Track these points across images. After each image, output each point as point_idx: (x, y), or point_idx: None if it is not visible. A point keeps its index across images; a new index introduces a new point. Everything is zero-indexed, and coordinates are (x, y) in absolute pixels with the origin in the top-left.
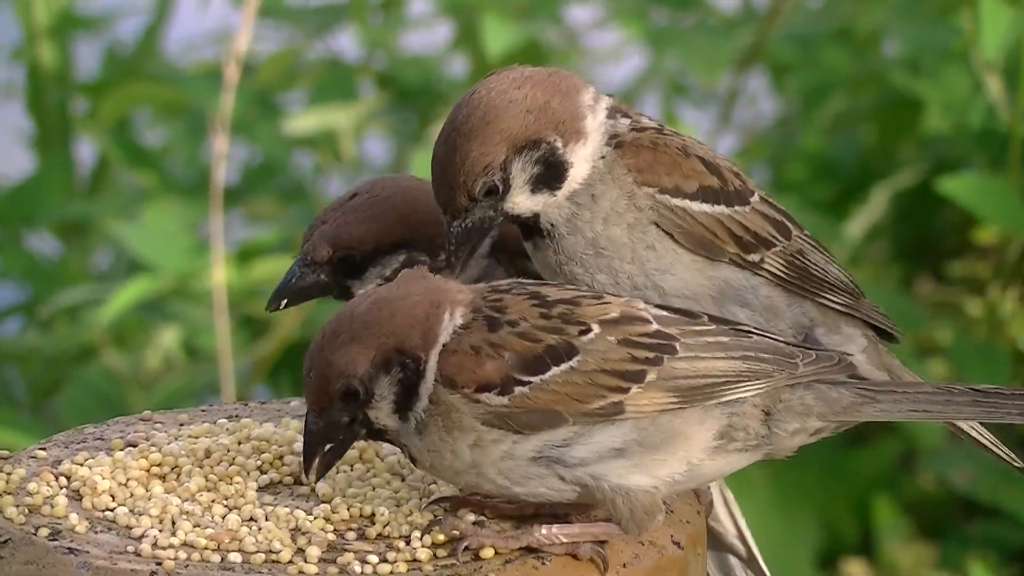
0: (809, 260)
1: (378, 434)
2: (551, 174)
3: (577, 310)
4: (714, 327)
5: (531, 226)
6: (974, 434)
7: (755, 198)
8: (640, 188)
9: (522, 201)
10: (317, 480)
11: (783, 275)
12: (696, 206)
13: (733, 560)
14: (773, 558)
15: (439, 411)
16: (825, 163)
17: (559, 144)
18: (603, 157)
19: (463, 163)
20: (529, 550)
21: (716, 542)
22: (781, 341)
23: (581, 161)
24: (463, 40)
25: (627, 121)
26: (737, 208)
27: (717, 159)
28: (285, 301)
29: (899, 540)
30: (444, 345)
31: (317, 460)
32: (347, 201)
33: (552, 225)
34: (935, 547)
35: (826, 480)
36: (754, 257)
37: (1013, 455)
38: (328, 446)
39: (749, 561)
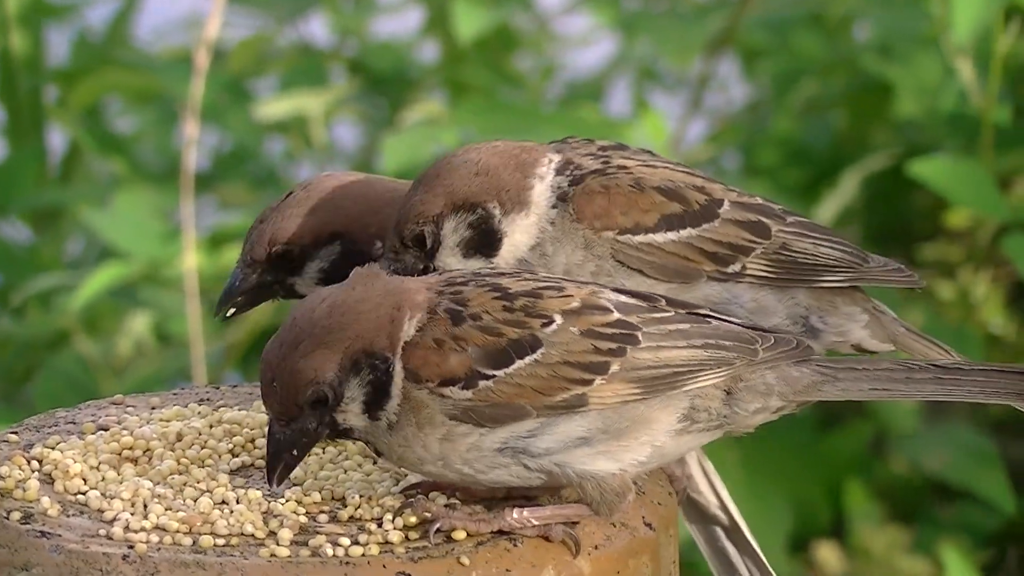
0: (795, 250)
1: (343, 434)
2: (483, 241)
3: (539, 302)
4: (673, 313)
5: None
6: None
7: (725, 207)
8: (598, 235)
9: (452, 263)
10: (278, 485)
11: (769, 274)
12: (660, 237)
13: (719, 531)
14: None
15: (410, 407)
16: (797, 148)
17: (496, 212)
18: (552, 222)
19: (405, 205)
20: (501, 532)
21: (699, 514)
22: (740, 326)
23: (522, 230)
24: (434, 26)
25: (568, 175)
26: (705, 226)
27: (676, 179)
28: (233, 309)
29: (871, 524)
30: (406, 341)
31: (282, 466)
32: (283, 200)
33: None
34: (908, 531)
35: (799, 464)
36: (734, 267)
37: None
38: (292, 449)
39: (732, 530)
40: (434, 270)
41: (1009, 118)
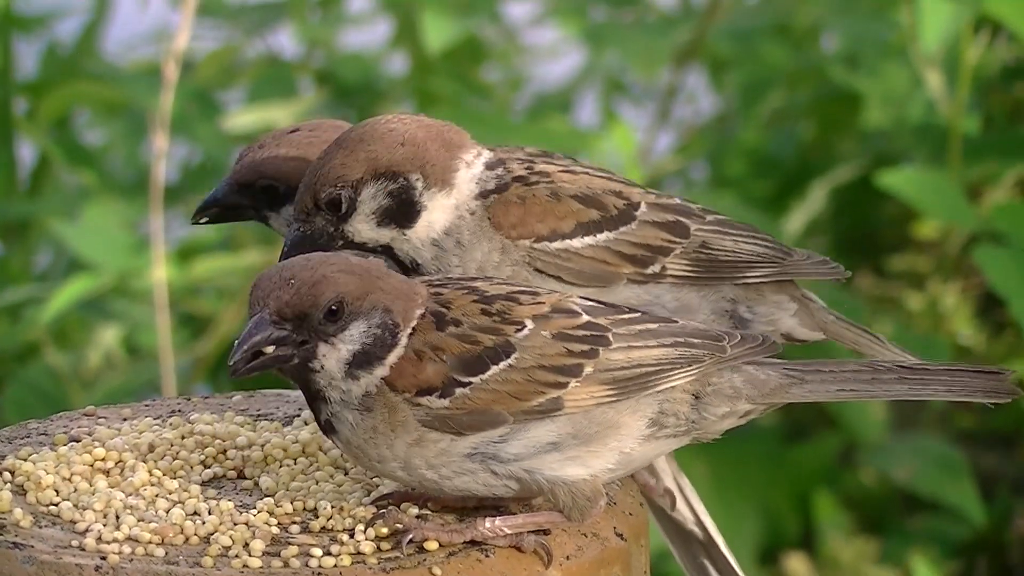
0: (715, 248)
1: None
2: (401, 211)
3: (515, 307)
4: (640, 315)
5: (402, 263)
6: None
7: (642, 210)
8: (515, 243)
9: (364, 229)
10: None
11: (690, 273)
12: (578, 243)
13: (696, 547)
14: None
15: (386, 406)
16: (764, 159)
17: (418, 185)
18: (473, 212)
19: (321, 168)
20: (473, 543)
21: (676, 530)
22: (703, 325)
23: (441, 209)
24: (402, 37)
25: (496, 174)
26: (623, 229)
27: (595, 185)
28: (206, 218)
29: (840, 535)
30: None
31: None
32: (287, 133)
33: (417, 264)
34: (877, 542)
35: (767, 475)
36: (654, 268)
37: None
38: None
39: (709, 545)
40: (342, 236)
41: (977, 128)
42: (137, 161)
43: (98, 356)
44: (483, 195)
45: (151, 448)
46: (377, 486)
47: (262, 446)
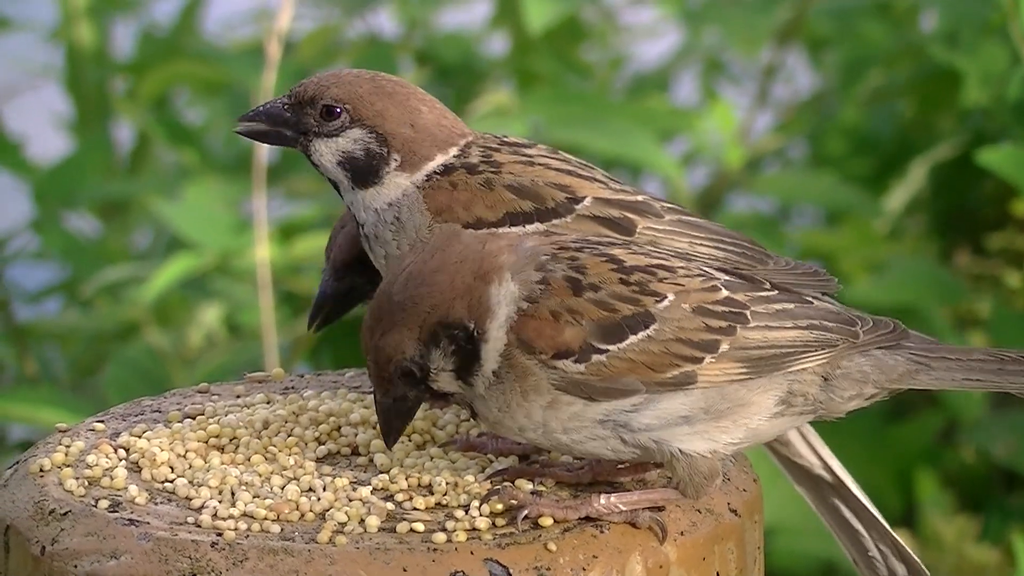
0: (664, 248)
1: (444, 397)
2: (366, 167)
3: (653, 280)
4: (778, 293)
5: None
6: None
7: (584, 204)
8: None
9: (326, 162)
10: (392, 445)
11: None
12: (502, 231)
13: (826, 490)
14: (817, 531)
15: (515, 374)
16: (863, 137)
17: (395, 158)
18: (413, 193)
19: (320, 78)
20: (588, 519)
21: (805, 475)
22: (836, 305)
23: (394, 186)
24: (502, 17)
25: (451, 160)
26: (555, 221)
27: (545, 176)
28: (321, 318)
29: (942, 513)
30: (521, 308)
31: (392, 430)
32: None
33: (360, 225)
34: (977, 520)
35: (869, 454)
36: None
37: None
38: (398, 415)
39: (838, 487)
40: (306, 149)
41: None
42: (237, 141)
43: (199, 335)
44: (428, 178)
45: (265, 424)
46: (492, 462)
47: (375, 425)
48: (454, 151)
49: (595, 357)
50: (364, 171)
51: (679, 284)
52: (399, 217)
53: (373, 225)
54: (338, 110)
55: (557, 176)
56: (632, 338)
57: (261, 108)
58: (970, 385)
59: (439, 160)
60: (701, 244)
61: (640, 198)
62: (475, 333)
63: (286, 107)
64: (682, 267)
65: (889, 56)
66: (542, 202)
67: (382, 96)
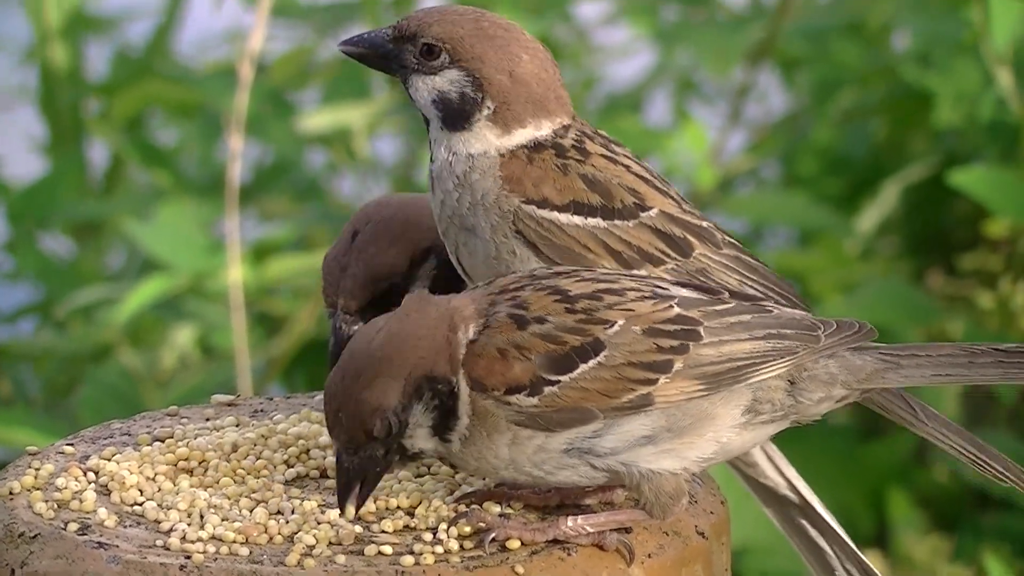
0: (714, 281)
1: (414, 457)
2: (457, 109)
3: (600, 305)
4: (734, 304)
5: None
6: (950, 450)
7: (650, 213)
8: (507, 196)
9: (422, 91)
10: (356, 513)
11: None
12: (565, 218)
13: (792, 511)
14: (786, 552)
15: (478, 418)
16: (836, 157)
17: (489, 103)
18: (495, 156)
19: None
20: (556, 541)
21: (770, 497)
22: (800, 312)
23: (481, 139)
24: None
25: (543, 138)
26: (617, 222)
27: (620, 176)
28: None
29: (914, 532)
30: (465, 351)
31: (354, 494)
32: (352, 241)
33: (433, 160)
34: (950, 540)
35: (841, 473)
36: (637, 272)
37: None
38: (363, 480)
39: (804, 507)
40: (404, 82)
41: None
42: (211, 162)
43: (172, 357)
44: (512, 149)
45: (234, 447)
46: (460, 485)
47: None
48: (548, 128)
49: (547, 389)
50: (456, 114)
51: (628, 309)
52: (469, 173)
53: (443, 167)
54: (437, 49)
55: (634, 181)
56: (583, 367)
57: (365, 35)
58: (940, 380)
59: (531, 132)
60: (749, 286)
61: (705, 224)
62: (455, 388)
63: (388, 39)
64: (632, 288)
65: (861, 76)
66: (611, 200)
67: (483, 39)
